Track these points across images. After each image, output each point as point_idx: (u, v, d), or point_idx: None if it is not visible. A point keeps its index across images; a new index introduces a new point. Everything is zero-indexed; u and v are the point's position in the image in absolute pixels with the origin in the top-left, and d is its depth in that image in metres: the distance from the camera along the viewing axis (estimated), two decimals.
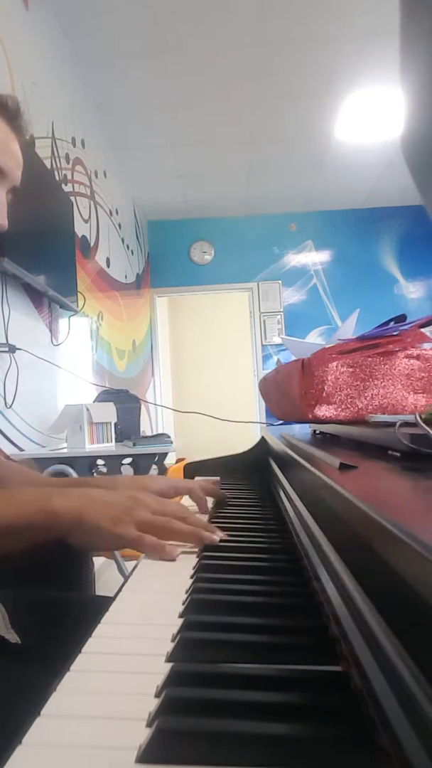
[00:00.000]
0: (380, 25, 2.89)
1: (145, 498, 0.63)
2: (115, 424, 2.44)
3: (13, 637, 0.60)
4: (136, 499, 0.62)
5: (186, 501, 0.83)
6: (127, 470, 2.40)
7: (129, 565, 1.90)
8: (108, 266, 3.88)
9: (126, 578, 0.52)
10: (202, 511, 0.80)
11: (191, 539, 0.60)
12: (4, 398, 2.03)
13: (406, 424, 0.54)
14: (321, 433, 0.98)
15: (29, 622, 0.64)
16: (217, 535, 0.61)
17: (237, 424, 2.09)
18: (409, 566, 0.25)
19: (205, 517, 0.74)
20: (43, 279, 2.24)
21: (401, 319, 0.91)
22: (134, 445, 2.31)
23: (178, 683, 0.31)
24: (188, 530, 0.60)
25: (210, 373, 7.07)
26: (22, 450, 2.16)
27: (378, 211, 5.59)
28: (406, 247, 5.60)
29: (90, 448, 2.22)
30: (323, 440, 0.90)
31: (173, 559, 0.57)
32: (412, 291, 5.62)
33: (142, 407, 3.01)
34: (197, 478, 1.17)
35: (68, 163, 2.99)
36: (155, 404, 5.30)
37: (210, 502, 0.85)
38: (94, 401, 2.66)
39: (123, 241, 4.45)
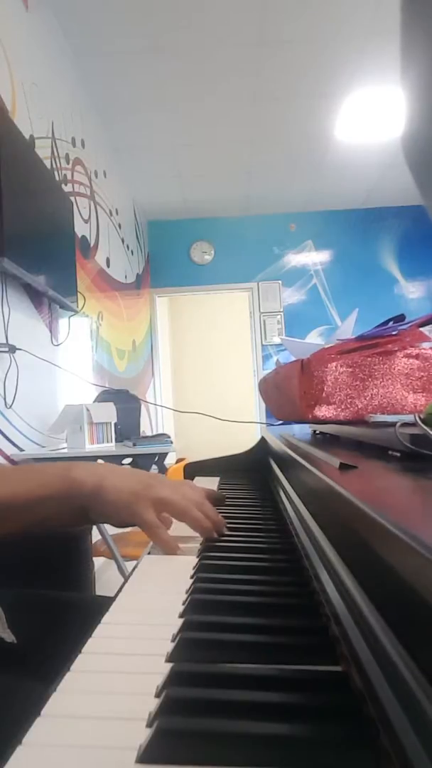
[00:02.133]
0: (380, 25, 2.89)
1: (163, 478, 0.64)
2: (115, 424, 2.44)
3: (8, 636, 0.60)
4: (156, 476, 0.63)
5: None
6: None
7: (129, 565, 1.90)
8: (108, 266, 3.89)
9: (126, 578, 0.52)
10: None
11: (201, 531, 0.60)
12: (4, 398, 2.03)
13: (405, 424, 0.54)
14: (321, 433, 0.98)
15: (29, 622, 0.64)
16: (222, 531, 0.62)
17: (237, 424, 2.09)
18: (409, 566, 0.25)
19: None
20: (43, 279, 2.24)
21: (400, 318, 0.91)
22: (134, 445, 2.31)
23: (178, 683, 0.31)
24: (204, 522, 0.60)
25: (210, 373, 7.07)
26: (22, 450, 2.16)
27: (378, 211, 5.59)
28: (406, 247, 5.60)
29: (90, 448, 2.22)
30: (323, 440, 0.90)
31: (174, 553, 0.57)
32: (411, 291, 5.62)
33: (142, 407, 3.01)
34: (197, 479, 1.17)
35: (68, 163, 2.99)
36: (155, 404, 5.30)
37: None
38: (94, 401, 2.66)
39: (123, 241, 4.45)
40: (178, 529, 0.62)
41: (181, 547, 0.59)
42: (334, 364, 0.81)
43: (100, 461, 2.32)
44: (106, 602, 0.46)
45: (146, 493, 0.58)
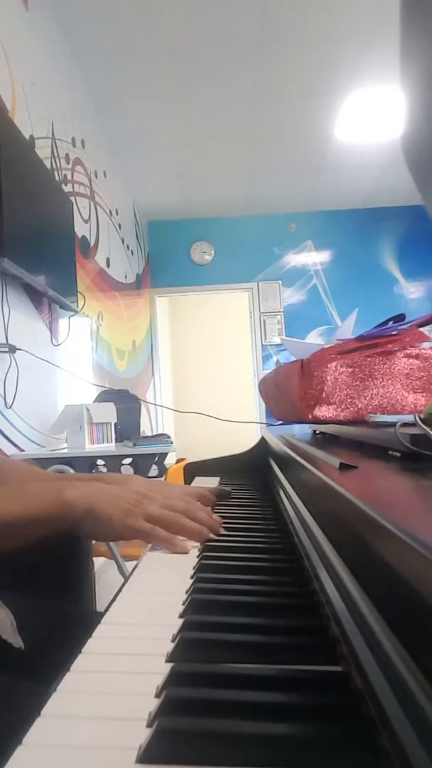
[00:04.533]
0: (380, 25, 2.89)
1: (153, 494, 0.65)
2: (115, 424, 2.44)
3: (17, 642, 0.60)
4: (144, 494, 0.64)
5: None
6: (127, 470, 2.40)
7: (129, 566, 1.90)
8: (108, 266, 3.89)
9: (126, 578, 0.52)
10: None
11: (197, 537, 0.61)
12: (4, 398, 2.03)
13: (405, 424, 0.54)
14: (321, 433, 0.98)
15: (31, 629, 0.65)
16: (217, 531, 0.63)
17: (237, 424, 2.09)
18: (409, 566, 0.25)
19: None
20: (43, 279, 2.24)
21: (400, 318, 0.91)
22: (134, 445, 2.31)
23: (178, 683, 0.31)
24: (196, 528, 0.61)
25: (210, 373, 7.07)
26: (22, 450, 2.16)
27: (378, 211, 5.59)
28: (406, 247, 5.60)
29: (90, 448, 2.22)
30: (323, 440, 0.90)
31: (186, 552, 0.58)
32: (411, 291, 5.62)
33: (142, 407, 3.01)
34: (197, 479, 1.17)
35: (68, 163, 2.99)
36: (155, 404, 5.30)
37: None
38: (94, 401, 2.66)
39: (123, 241, 4.45)
40: None
41: (191, 543, 0.60)
42: (334, 364, 0.81)
43: (99, 462, 2.32)
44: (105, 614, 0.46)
45: (137, 509, 0.60)
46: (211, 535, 0.61)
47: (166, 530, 0.60)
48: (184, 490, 0.84)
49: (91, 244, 3.46)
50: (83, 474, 0.86)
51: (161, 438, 2.44)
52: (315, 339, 5.28)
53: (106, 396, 2.70)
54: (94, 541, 1.00)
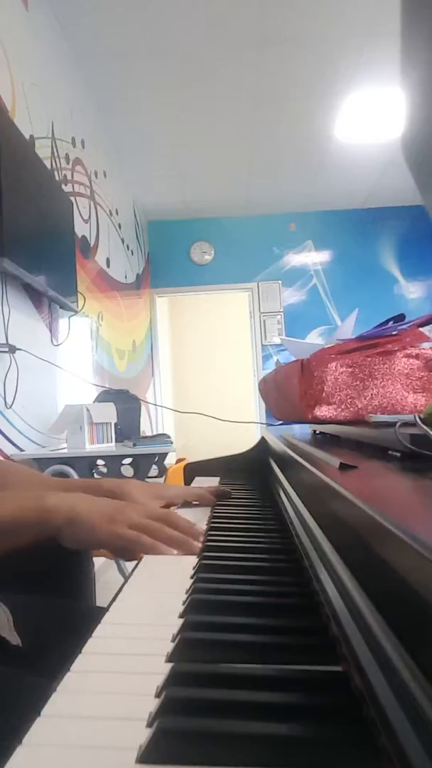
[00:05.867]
0: (380, 25, 2.89)
1: (135, 504, 0.65)
2: (115, 425, 2.44)
3: (14, 639, 0.60)
4: (127, 503, 0.64)
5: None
6: (127, 470, 2.40)
7: (129, 566, 1.90)
8: (108, 266, 3.89)
9: (126, 578, 0.52)
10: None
11: (180, 547, 0.59)
12: (4, 398, 2.03)
13: (405, 424, 0.54)
14: (321, 433, 0.98)
15: (30, 626, 0.65)
16: (199, 542, 0.61)
17: (237, 424, 2.09)
18: (409, 566, 0.25)
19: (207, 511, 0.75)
20: (43, 279, 2.24)
21: (400, 318, 0.91)
22: (134, 445, 2.31)
23: (178, 683, 0.31)
24: (180, 538, 0.60)
25: (210, 373, 7.07)
26: (22, 450, 2.16)
27: (378, 211, 5.59)
28: (406, 247, 5.60)
29: (90, 448, 2.22)
30: (323, 440, 0.90)
31: (172, 554, 0.57)
32: (411, 291, 5.62)
33: (142, 407, 3.01)
34: (197, 479, 1.17)
35: (68, 163, 2.99)
36: (155, 404, 5.30)
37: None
38: (94, 401, 2.66)
39: (123, 241, 4.45)
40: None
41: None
42: (334, 364, 0.81)
43: (99, 462, 2.32)
44: (106, 610, 0.46)
45: (119, 516, 0.59)
46: (195, 546, 0.60)
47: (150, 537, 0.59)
48: (182, 491, 0.84)
49: (91, 244, 3.46)
50: (83, 480, 0.86)
51: (161, 438, 2.44)
52: (315, 339, 5.28)
53: (106, 396, 2.70)
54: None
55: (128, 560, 0.60)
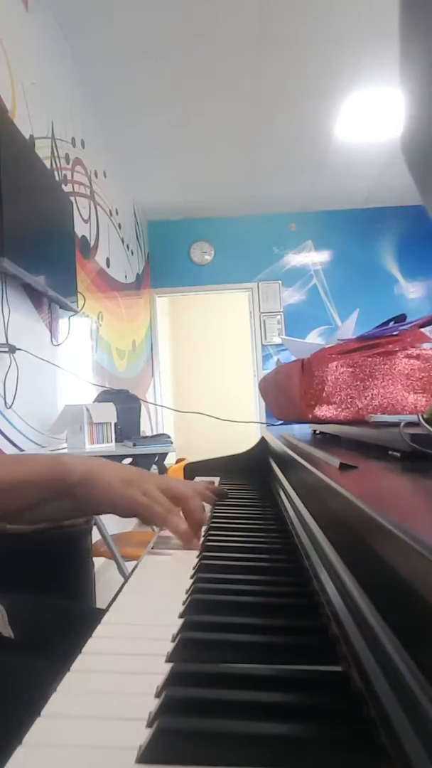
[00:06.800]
0: (380, 25, 2.89)
1: (154, 474, 0.65)
2: (115, 424, 2.44)
3: (7, 632, 0.60)
4: (145, 471, 0.64)
5: None
6: None
7: (129, 565, 1.90)
8: (108, 266, 3.88)
9: (126, 578, 0.52)
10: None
11: (181, 539, 0.60)
12: (4, 398, 2.03)
13: (409, 423, 0.54)
14: (321, 433, 0.98)
15: (30, 626, 0.64)
16: (195, 544, 0.61)
17: (237, 424, 2.09)
18: (409, 566, 0.25)
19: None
20: (43, 279, 2.24)
21: (401, 319, 0.91)
22: (134, 445, 2.31)
23: (178, 683, 0.31)
24: (181, 529, 0.60)
25: (210, 373, 7.07)
26: (22, 450, 2.16)
27: (378, 211, 5.59)
28: (406, 247, 5.60)
29: (90, 448, 2.22)
30: (323, 440, 0.90)
31: (179, 531, 0.57)
32: (412, 291, 5.62)
33: (142, 407, 3.01)
34: (197, 479, 1.17)
35: (68, 163, 2.99)
36: (155, 404, 5.30)
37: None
38: (94, 401, 2.66)
39: (123, 241, 4.45)
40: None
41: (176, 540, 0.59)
42: (334, 364, 0.81)
43: None
44: (105, 611, 0.46)
45: (137, 481, 0.59)
46: (195, 544, 0.59)
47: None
48: (189, 485, 0.84)
49: (91, 244, 3.46)
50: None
51: (161, 438, 2.44)
52: (314, 339, 5.28)
53: (106, 396, 2.70)
54: (85, 517, 0.99)
55: (147, 524, 0.60)
